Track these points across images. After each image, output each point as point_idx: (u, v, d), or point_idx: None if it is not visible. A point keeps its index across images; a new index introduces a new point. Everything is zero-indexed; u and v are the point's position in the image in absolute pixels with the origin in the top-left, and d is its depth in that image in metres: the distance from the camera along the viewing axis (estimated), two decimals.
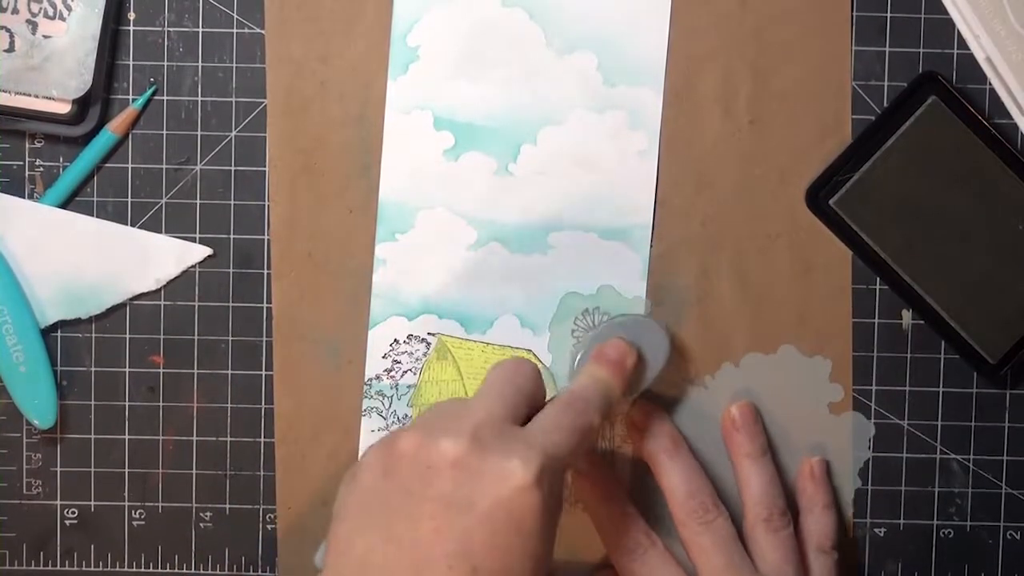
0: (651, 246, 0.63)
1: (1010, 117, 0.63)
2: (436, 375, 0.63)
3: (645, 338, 0.61)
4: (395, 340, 0.63)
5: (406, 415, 0.63)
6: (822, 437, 0.64)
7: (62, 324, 0.63)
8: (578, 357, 0.60)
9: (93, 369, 0.63)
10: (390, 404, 0.63)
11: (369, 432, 0.63)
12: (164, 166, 0.63)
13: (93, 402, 0.64)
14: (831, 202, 0.62)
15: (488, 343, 0.63)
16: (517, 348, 0.63)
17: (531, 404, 0.55)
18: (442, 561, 0.48)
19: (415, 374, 0.63)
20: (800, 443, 0.63)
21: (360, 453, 0.63)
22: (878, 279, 0.63)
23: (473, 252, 0.63)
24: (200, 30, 0.63)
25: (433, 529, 0.49)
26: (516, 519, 0.49)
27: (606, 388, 0.57)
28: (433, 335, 0.63)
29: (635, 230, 0.63)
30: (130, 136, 0.63)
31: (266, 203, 0.63)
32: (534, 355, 0.63)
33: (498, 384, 0.54)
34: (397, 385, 0.63)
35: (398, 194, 0.63)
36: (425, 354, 0.63)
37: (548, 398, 0.56)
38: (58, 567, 0.64)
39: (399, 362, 0.63)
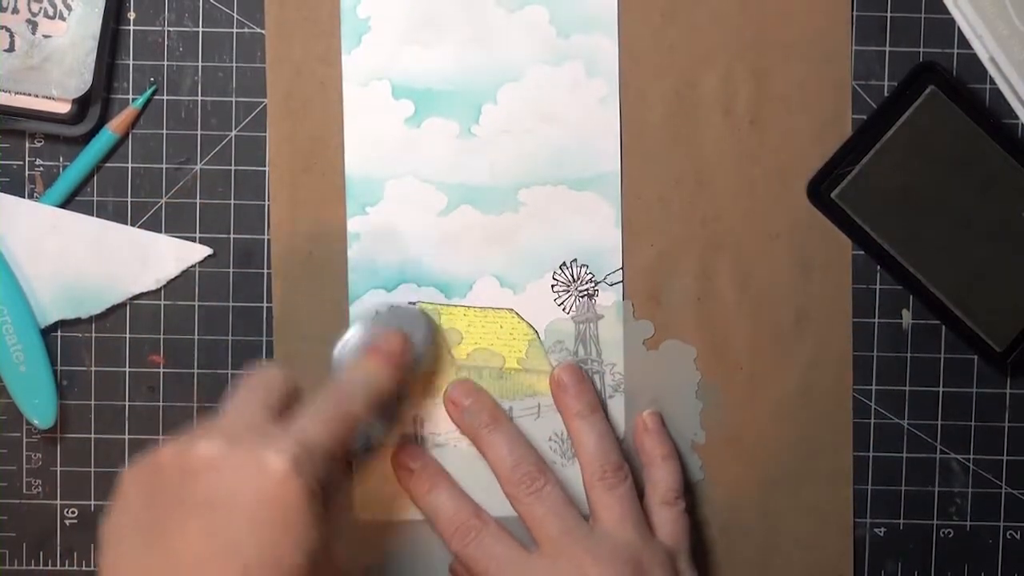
0: (622, 194, 0.63)
1: (1014, 117, 0.63)
2: None
3: (410, 325, 0.61)
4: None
5: None
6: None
7: (62, 324, 0.63)
8: (337, 347, 0.61)
9: (93, 369, 0.64)
10: None
11: None
12: (164, 166, 0.63)
13: (93, 402, 0.64)
14: (833, 195, 0.62)
15: (469, 306, 0.63)
16: (498, 309, 0.63)
17: (286, 402, 0.55)
18: (213, 562, 0.48)
19: None
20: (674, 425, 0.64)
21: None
22: (878, 279, 0.63)
23: (445, 217, 0.63)
24: (200, 30, 0.63)
25: (200, 531, 0.48)
26: (279, 511, 0.49)
27: (372, 378, 0.58)
28: (413, 304, 0.63)
29: (605, 178, 0.63)
30: (130, 136, 0.63)
31: (266, 203, 0.63)
32: (516, 314, 0.63)
33: (245, 392, 0.55)
34: None
35: (364, 167, 0.63)
36: None
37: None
38: (58, 567, 0.64)
39: None
